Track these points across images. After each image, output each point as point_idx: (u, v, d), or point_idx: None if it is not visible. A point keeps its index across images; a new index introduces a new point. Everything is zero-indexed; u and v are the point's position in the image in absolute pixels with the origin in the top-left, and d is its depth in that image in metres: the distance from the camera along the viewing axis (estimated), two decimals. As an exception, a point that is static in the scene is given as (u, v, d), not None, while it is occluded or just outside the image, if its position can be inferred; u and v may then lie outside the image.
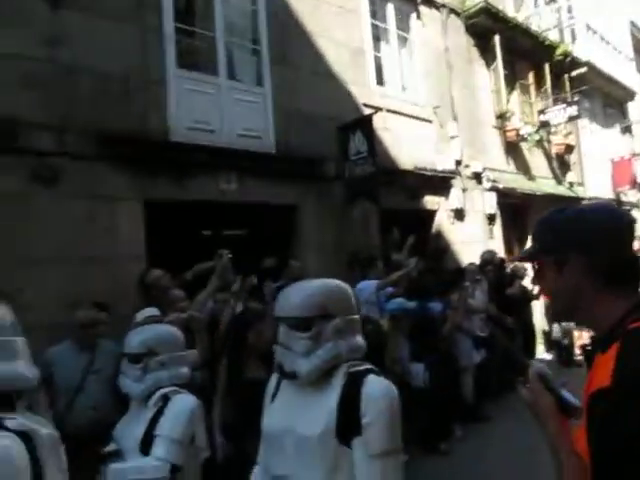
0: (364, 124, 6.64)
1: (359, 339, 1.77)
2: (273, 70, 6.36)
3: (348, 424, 1.56)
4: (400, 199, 7.61)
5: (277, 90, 6.33)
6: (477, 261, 7.55)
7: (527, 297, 7.75)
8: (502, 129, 10.25)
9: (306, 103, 6.53)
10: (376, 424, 1.55)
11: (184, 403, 2.33)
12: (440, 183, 8.48)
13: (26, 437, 1.18)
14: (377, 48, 8.06)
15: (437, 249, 8.11)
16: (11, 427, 1.17)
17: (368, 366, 1.70)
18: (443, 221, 8.57)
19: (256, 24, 6.38)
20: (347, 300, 1.79)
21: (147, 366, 2.38)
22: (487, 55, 10.22)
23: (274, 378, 1.85)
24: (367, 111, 7.05)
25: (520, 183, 10.26)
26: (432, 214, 8.49)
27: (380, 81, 7.96)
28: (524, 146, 10.72)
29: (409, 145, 7.86)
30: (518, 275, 7.78)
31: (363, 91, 7.39)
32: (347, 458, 1.57)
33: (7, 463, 1.05)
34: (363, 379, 1.61)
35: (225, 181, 5.68)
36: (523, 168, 10.78)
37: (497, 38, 10.07)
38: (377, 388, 1.60)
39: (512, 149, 10.45)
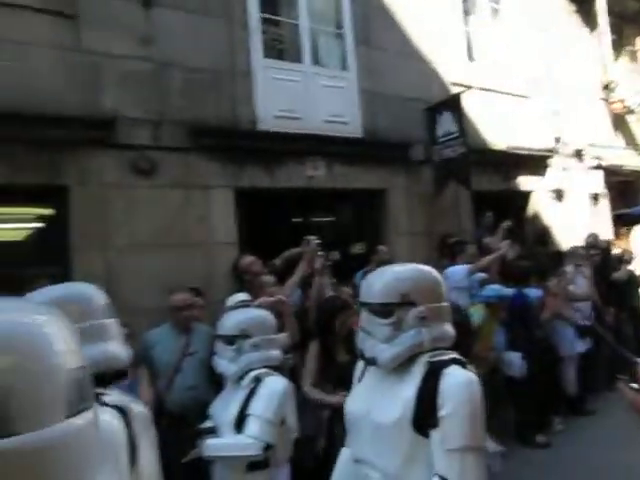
0: (453, 104, 6.39)
1: (447, 327, 1.69)
2: (358, 53, 6.27)
3: (425, 415, 1.50)
4: (493, 180, 7.27)
5: (362, 73, 6.24)
6: (579, 245, 7.05)
7: (635, 282, 7.16)
8: (607, 101, 9.45)
9: (392, 85, 6.38)
10: (454, 417, 1.46)
11: (276, 384, 2.38)
12: (537, 162, 7.99)
13: (122, 411, 1.24)
14: (466, 22, 7.69)
15: (542, 233, 7.68)
16: (109, 402, 1.24)
17: (453, 356, 1.62)
18: (541, 202, 8.08)
19: (339, 7, 6.30)
20: (433, 287, 1.71)
21: (241, 348, 2.45)
22: (589, 21, 9.40)
23: (361, 362, 1.84)
24: (457, 90, 6.76)
25: (628, 159, 9.42)
26: (528, 195, 8.04)
27: (470, 57, 7.60)
28: (632, 118, 9.82)
29: (502, 123, 7.45)
30: (625, 259, 7.20)
31: (452, 69, 7.09)
32: (425, 449, 1.50)
33: (109, 436, 1.11)
34: (444, 369, 1.53)
35: (313, 167, 5.71)
36: (632, 143, 9.87)
37: (601, 1, 9.24)
38: (457, 380, 1.51)
39: (619, 122, 9.60)
